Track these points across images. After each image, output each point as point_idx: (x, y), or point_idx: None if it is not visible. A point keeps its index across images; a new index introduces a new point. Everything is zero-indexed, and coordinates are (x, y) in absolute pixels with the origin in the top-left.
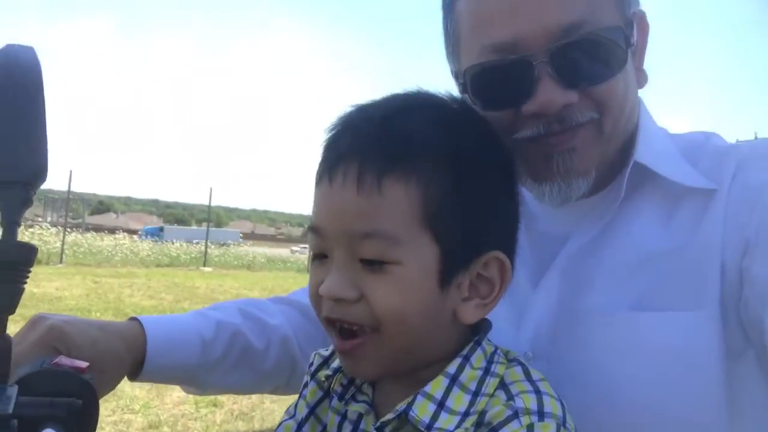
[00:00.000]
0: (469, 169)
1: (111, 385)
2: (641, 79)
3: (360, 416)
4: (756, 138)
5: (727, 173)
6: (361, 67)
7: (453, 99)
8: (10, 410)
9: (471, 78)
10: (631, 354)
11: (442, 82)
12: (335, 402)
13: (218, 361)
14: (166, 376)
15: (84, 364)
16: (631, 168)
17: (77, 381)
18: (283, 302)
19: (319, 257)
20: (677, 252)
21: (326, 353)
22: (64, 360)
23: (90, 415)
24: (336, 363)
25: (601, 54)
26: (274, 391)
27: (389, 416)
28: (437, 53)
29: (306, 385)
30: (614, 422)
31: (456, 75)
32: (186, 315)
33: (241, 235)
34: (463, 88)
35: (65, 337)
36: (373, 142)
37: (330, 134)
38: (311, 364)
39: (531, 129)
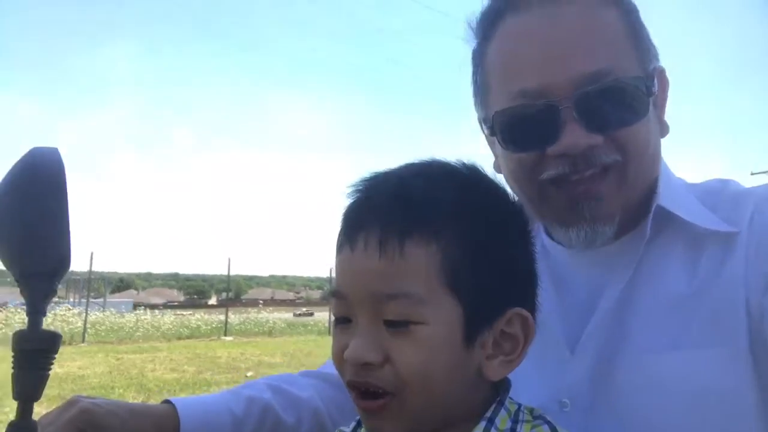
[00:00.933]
0: (485, 228)
1: None
2: (663, 130)
3: None
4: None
5: (745, 216)
6: (377, 138)
7: (464, 164)
8: None
9: (500, 121)
10: (666, 395)
11: (455, 148)
12: None
13: None
14: None
15: None
16: (654, 212)
17: None
18: (312, 376)
19: (342, 321)
20: (704, 294)
21: (347, 430)
22: None
23: None
24: None
25: (624, 100)
26: None
27: None
28: (452, 121)
29: None
30: None
31: (484, 120)
32: (217, 394)
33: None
34: (491, 131)
35: (95, 419)
36: (391, 208)
37: (349, 202)
38: None
39: (556, 168)
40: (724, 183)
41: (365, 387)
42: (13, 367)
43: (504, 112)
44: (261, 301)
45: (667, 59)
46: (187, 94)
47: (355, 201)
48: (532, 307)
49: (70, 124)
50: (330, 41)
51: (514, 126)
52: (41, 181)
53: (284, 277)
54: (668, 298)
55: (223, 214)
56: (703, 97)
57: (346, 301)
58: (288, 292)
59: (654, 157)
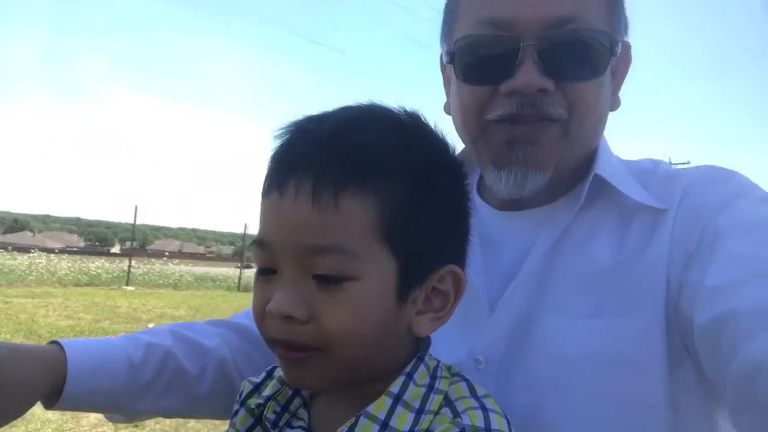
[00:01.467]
0: (424, 183)
1: (18, 411)
2: (614, 103)
3: None
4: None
5: (675, 195)
6: (292, 83)
7: (406, 113)
8: None
9: (459, 48)
10: (579, 360)
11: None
12: (268, 429)
13: (148, 385)
14: (89, 402)
15: None
16: (591, 180)
17: None
18: (220, 325)
19: (266, 273)
20: (628, 266)
21: (257, 380)
22: None
23: None
24: (267, 391)
25: (584, 54)
26: (212, 416)
27: None
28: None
29: (236, 413)
30: (563, 428)
31: (445, 53)
32: (113, 338)
33: None
34: (450, 58)
35: None
36: (328, 155)
37: (280, 143)
38: (241, 393)
39: (503, 108)
40: (656, 163)
41: (288, 344)
42: None
43: (467, 38)
44: (167, 253)
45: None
46: (102, 18)
47: (286, 142)
48: (463, 265)
49: None
50: None
51: (473, 55)
52: None
53: (194, 230)
54: (592, 266)
55: (132, 159)
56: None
57: (271, 250)
58: (198, 245)
59: (599, 122)
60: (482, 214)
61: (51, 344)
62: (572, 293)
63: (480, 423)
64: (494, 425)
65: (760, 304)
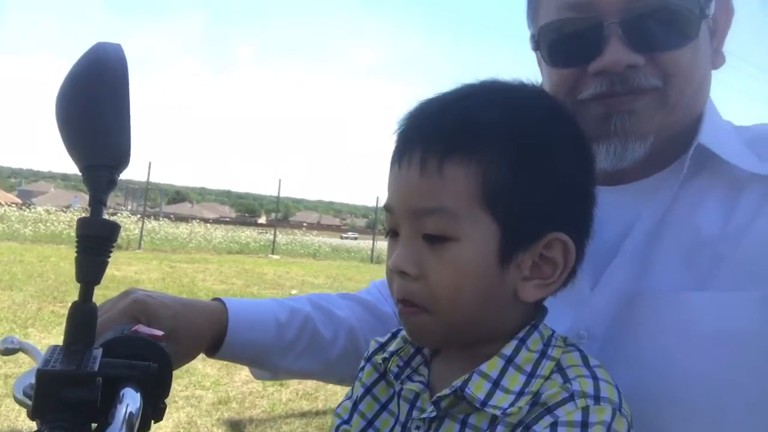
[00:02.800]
0: (530, 149)
1: (189, 355)
2: (717, 61)
3: (416, 395)
4: None
5: None
6: (433, 69)
7: (524, 85)
8: (96, 369)
9: (545, 34)
10: (688, 334)
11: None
12: (391, 380)
13: (291, 344)
14: (242, 354)
15: (159, 333)
16: (695, 150)
17: (153, 347)
18: (349, 298)
19: (392, 234)
20: (738, 237)
21: (382, 340)
22: (142, 328)
23: (164, 378)
24: (392, 347)
25: (671, 22)
26: (341, 381)
27: (446, 391)
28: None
29: (362, 368)
30: (668, 403)
31: (532, 36)
32: (264, 300)
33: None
34: (536, 45)
35: (148, 308)
36: (433, 129)
37: (400, 123)
38: (368, 352)
39: (594, 87)
40: None
41: (404, 300)
42: (76, 252)
43: (550, 25)
44: (305, 224)
45: None
46: (253, 10)
47: (404, 122)
48: (580, 235)
49: (135, 33)
50: None
51: (559, 40)
52: (105, 73)
53: (331, 203)
54: (698, 239)
55: (277, 136)
56: None
57: (394, 214)
58: (334, 218)
59: (700, 87)
60: None
61: (214, 300)
62: (677, 267)
63: (590, 390)
64: (604, 393)
65: None
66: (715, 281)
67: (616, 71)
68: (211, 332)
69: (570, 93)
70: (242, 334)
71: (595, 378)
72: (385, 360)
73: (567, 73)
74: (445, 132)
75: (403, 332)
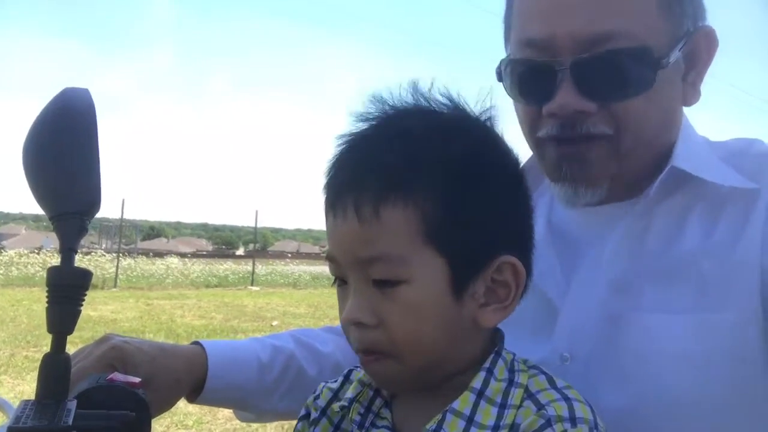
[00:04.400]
0: (464, 179)
1: (168, 402)
2: (690, 97)
3: None
4: None
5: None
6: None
7: (451, 107)
8: (71, 422)
9: (507, 70)
10: (673, 356)
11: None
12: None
13: (274, 385)
14: (224, 398)
15: (137, 380)
16: (670, 173)
17: (130, 395)
18: (333, 332)
19: (340, 282)
20: (717, 257)
21: (335, 385)
22: (118, 376)
23: (142, 427)
24: (350, 392)
25: (625, 71)
26: None
27: None
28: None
29: (316, 421)
30: (653, 423)
31: (497, 68)
32: (244, 340)
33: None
34: (498, 76)
35: (125, 355)
36: (364, 173)
37: (329, 164)
38: (317, 396)
39: (547, 128)
40: (749, 143)
41: (365, 350)
42: (47, 302)
43: (510, 61)
44: (289, 254)
45: None
46: (223, 42)
47: (331, 167)
48: (524, 253)
49: (107, 70)
50: None
51: (517, 77)
52: (72, 120)
53: (309, 230)
54: (680, 259)
55: (252, 166)
56: None
57: (338, 264)
58: (313, 245)
59: (662, 127)
60: (559, 212)
61: (193, 344)
62: (660, 288)
63: (565, 413)
64: (579, 414)
65: None
66: (698, 301)
67: (565, 115)
68: (190, 378)
69: (530, 129)
70: (223, 378)
71: (567, 399)
72: (343, 408)
73: (527, 109)
74: (375, 175)
75: (357, 374)
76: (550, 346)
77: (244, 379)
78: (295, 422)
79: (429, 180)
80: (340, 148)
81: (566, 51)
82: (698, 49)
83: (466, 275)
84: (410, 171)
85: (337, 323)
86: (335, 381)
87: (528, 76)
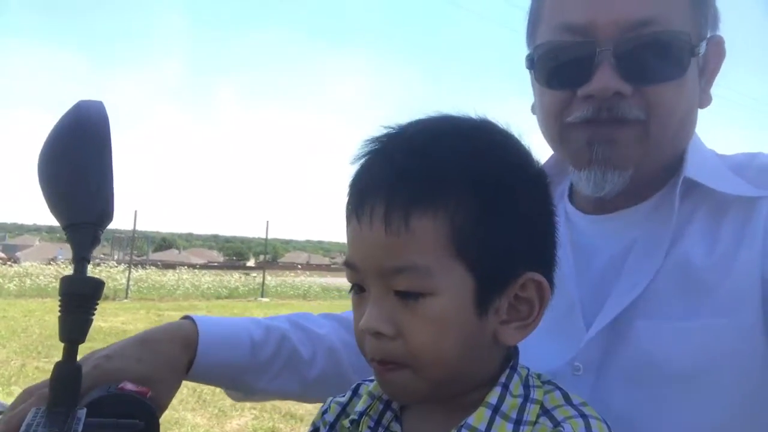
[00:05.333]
0: (494, 193)
1: (173, 387)
2: (704, 100)
3: None
4: None
5: None
6: (410, 97)
7: (477, 121)
8: (80, 430)
9: (539, 54)
10: (676, 364)
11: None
12: None
13: (266, 364)
14: (215, 375)
15: (146, 388)
16: (684, 184)
17: (139, 404)
18: (332, 318)
19: (358, 290)
20: (721, 266)
21: (343, 399)
22: (128, 385)
23: None
24: (360, 406)
25: (662, 56)
26: (321, 401)
27: None
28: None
29: None
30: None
31: (527, 57)
32: (238, 318)
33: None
34: (531, 63)
35: (106, 372)
36: (395, 179)
37: (356, 169)
38: (325, 411)
39: (581, 111)
40: (752, 155)
41: (382, 360)
42: (59, 311)
43: (545, 45)
44: (299, 265)
45: None
46: (232, 53)
47: (359, 170)
48: (548, 270)
49: (117, 83)
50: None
51: (552, 60)
52: (87, 132)
53: (320, 242)
54: (687, 267)
55: (263, 177)
56: None
57: (358, 271)
58: (323, 257)
59: (683, 124)
60: (573, 220)
61: (184, 319)
62: (668, 296)
63: (581, 430)
64: (595, 430)
65: None
66: (703, 309)
67: (604, 97)
68: (185, 354)
69: (558, 115)
70: (214, 354)
71: (583, 416)
72: (353, 422)
73: (558, 94)
74: (406, 183)
75: (366, 387)
76: (562, 356)
77: (236, 356)
78: (286, 402)
79: (460, 191)
80: (368, 151)
81: (607, 35)
82: (709, 55)
83: (492, 290)
84: (442, 181)
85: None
86: (343, 396)
87: (565, 59)
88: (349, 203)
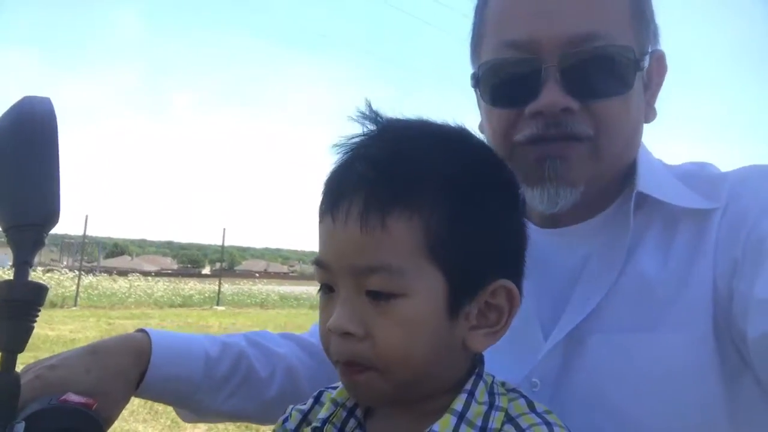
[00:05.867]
0: (470, 198)
1: (122, 400)
2: (649, 115)
3: None
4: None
5: (721, 197)
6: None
7: (452, 128)
8: None
9: (484, 72)
10: (633, 377)
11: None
12: None
13: (222, 382)
14: (166, 391)
15: (91, 400)
16: (637, 198)
17: (83, 416)
18: (290, 338)
19: (327, 290)
20: (674, 279)
21: (304, 407)
22: (71, 397)
23: None
24: (322, 413)
25: (609, 70)
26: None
27: None
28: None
29: None
30: None
31: (472, 76)
32: (194, 334)
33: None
34: (476, 82)
35: (50, 383)
36: (373, 179)
37: (332, 167)
38: (286, 419)
39: (530, 129)
40: (701, 166)
41: (349, 361)
42: None
43: (489, 63)
44: (257, 273)
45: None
46: (189, 59)
47: (336, 168)
48: (518, 278)
49: (70, 84)
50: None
51: (497, 79)
52: (32, 129)
53: (278, 249)
54: (640, 281)
55: (220, 184)
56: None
57: (329, 270)
58: (282, 265)
59: (631, 137)
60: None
61: (138, 332)
62: (623, 310)
63: None
64: None
65: None
66: (657, 322)
67: (552, 113)
68: (136, 367)
69: (507, 134)
70: (167, 368)
71: (547, 424)
72: (316, 430)
73: (504, 113)
74: (386, 183)
75: (329, 394)
76: (520, 371)
77: (189, 373)
78: (241, 425)
79: (438, 195)
80: (344, 151)
81: (551, 51)
82: (652, 69)
83: (463, 295)
84: (421, 184)
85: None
86: (304, 403)
87: (510, 77)
88: (324, 201)
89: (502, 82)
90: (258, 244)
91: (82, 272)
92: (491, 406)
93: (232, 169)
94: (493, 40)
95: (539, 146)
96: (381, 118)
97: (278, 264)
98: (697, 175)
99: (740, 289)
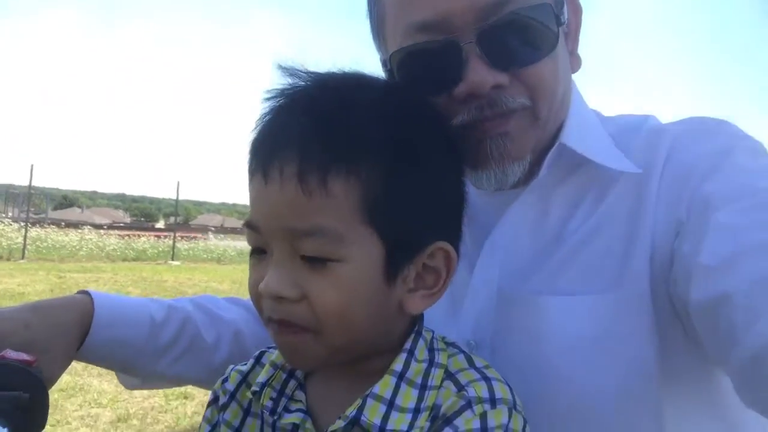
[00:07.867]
0: (408, 160)
1: (64, 361)
2: (575, 64)
3: (295, 427)
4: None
5: (661, 155)
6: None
7: (390, 83)
8: None
9: (398, 63)
10: (566, 337)
11: None
12: (266, 417)
13: (167, 346)
14: (110, 355)
15: (31, 357)
16: (564, 154)
17: (23, 374)
18: (238, 303)
19: (258, 252)
20: (608, 239)
21: (244, 368)
22: (10, 353)
23: (38, 407)
24: (261, 377)
25: (529, 35)
26: None
27: (340, 424)
28: None
29: (225, 406)
30: (553, 406)
31: (382, 64)
32: (139, 297)
33: None
34: (390, 74)
35: None
36: (310, 138)
37: (264, 118)
38: (225, 380)
39: (463, 114)
40: (644, 118)
41: (283, 323)
42: None
43: (402, 51)
44: (212, 228)
45: None
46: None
47: (266, 124)
48: (456, 240)
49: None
50: None
51: (414, 68)
52: None
53: (234, 204)
54: (572, 242)
55: (174, 135)
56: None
57: (261, 232)
58: (238, 220)
59: (565, 94)
60: (470, 198)
61: (80, 293)
62: (554, 271)
63: (485, 393)
64: (498, 394)
65: (756, 284)
66: (586, 284)
67: (482, 93)
68: (78, 327)
69: None
70: (109, 332)
71: (486, 379)
72: (255, 394)
73: (432, 101)
74: (324, 142)
75: (269, 356)
76: (458, 333)
77: (133, 336)
78: (186, 389)
79: (375, 156)
80: (274, 105)
81: (466, 26)
82: (570, 16)
83: (401, 258)
84: (357, 145)
85: None
86: (245, 364)
87: (428, 62)
88: (253, 159)
89: (419, 68)
90: (214, 198)
91: (30, 224)
92: (431, 363)
93: (188, 120)
94: (400, 23)
95: (477, 129)
96: (309, 72)
97: (234, 219)
98: (635, 130)
99: (683, 253)
